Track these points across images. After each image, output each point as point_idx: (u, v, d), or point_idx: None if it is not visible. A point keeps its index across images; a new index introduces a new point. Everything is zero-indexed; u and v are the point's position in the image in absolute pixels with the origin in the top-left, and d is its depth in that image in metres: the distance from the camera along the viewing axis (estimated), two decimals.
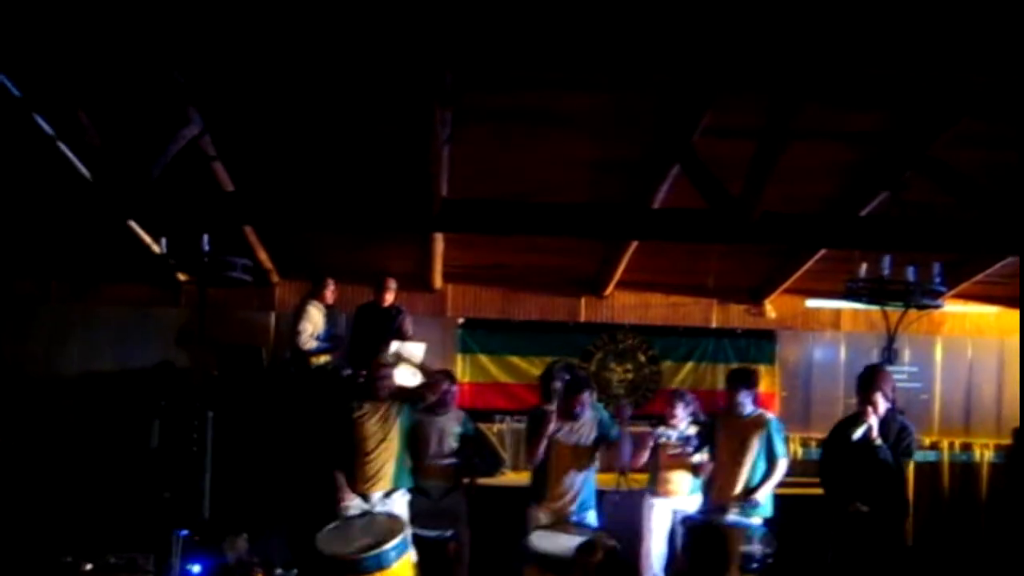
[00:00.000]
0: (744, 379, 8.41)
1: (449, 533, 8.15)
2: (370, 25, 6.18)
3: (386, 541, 7.15)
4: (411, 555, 7.39)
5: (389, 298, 10.24)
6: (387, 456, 8.01)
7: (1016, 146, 7.63)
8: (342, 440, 8.02)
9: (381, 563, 7.07)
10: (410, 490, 8.34)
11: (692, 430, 8.61)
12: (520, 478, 9.38)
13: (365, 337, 10.02)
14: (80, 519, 8.81)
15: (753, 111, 6.68)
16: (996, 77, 6.62)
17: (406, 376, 9.40)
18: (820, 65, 6.20)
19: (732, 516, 7.95)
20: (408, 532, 7.44)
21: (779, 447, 8.20)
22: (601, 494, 9.01)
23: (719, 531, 5.53)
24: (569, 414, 8.09)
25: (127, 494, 9.00)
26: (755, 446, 8.19)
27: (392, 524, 7.45)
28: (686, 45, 6.32)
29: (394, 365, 8.65)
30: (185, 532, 8.12)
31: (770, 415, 8.45)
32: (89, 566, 7.50)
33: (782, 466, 8.20)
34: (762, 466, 8.18)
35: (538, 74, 6.87)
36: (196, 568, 8.07)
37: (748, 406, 8.31)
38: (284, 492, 8.97)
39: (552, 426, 8.04)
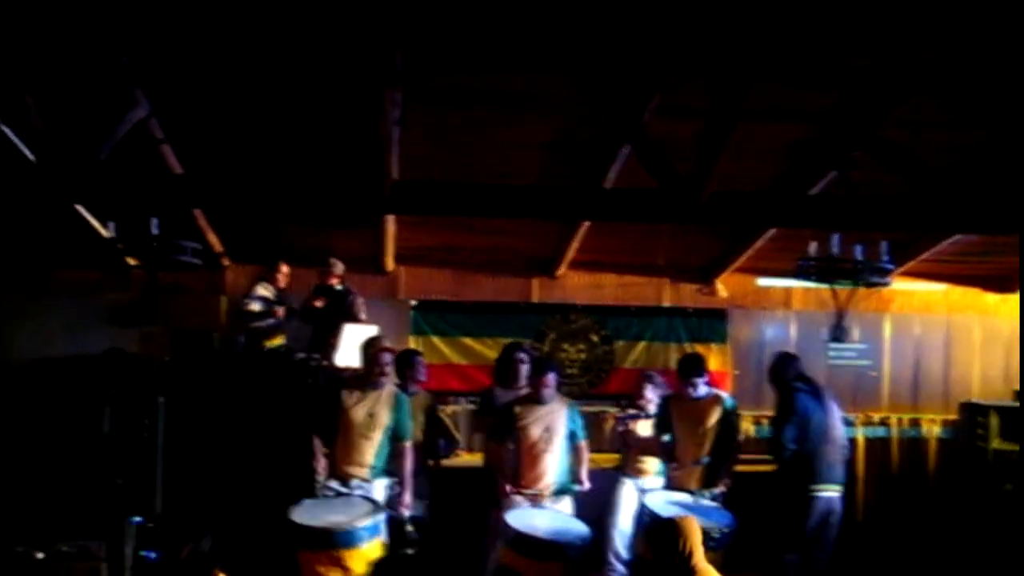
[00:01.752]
0: (693, 370, 8.47)
1: (420, 513, 8.13)
2: (319, 5, 6.14)
3: (360, 520, 7.17)
4: (382, 538, 7.37)
5: (335, 279, 10.20)
6: (369, 447, 7.90)
7: (965, 126, 7.73)
8: (327, 420, 7.95)
9: (351, 541, 7.08)
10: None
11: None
12: (474, 459, 9.40)
13: (320, 319, 9.98)
14: (31, 508, 8.71)
15: (703, 91, 6.71)
16: (945, 57, 6.68)
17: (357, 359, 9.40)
18: (769, 45, 6.24)
19: (692, 496, 8.04)
20: (383, 516, 7.40)
21: (736, 427, 8.42)
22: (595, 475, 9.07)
23: (673, 524, 5.56)
24: (536, 398, 8.10)
25: (78, 481, 8.90)
26: (714, 428, 8.29)
27: (368, 506, 7.43)
28: (636, 26, 6.35)
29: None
30: (138, 519, 8.06)
31: (724, 394, 8.60)
32: (40, 555, 7.44)
33: (736, 447, 8.40)
34: (718, 446, 8.29)
35: (489, 55, 6.85)
36: (152, 555, 8.03)
37: (702, 389, 8.41)
38: (237, 477, 8.92)
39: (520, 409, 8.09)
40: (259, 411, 9.17)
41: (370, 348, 8.24)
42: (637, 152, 7.64)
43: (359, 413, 7.87)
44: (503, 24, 6.32)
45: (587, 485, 8.11)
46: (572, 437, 8.11)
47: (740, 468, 8.64)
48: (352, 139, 7.62)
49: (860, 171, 8.12)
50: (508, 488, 7.98)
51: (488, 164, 8.55)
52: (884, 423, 11.91)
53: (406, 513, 7.81)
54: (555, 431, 8.03)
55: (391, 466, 7.97)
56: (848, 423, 11.67)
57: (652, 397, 8.84)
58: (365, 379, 8.03)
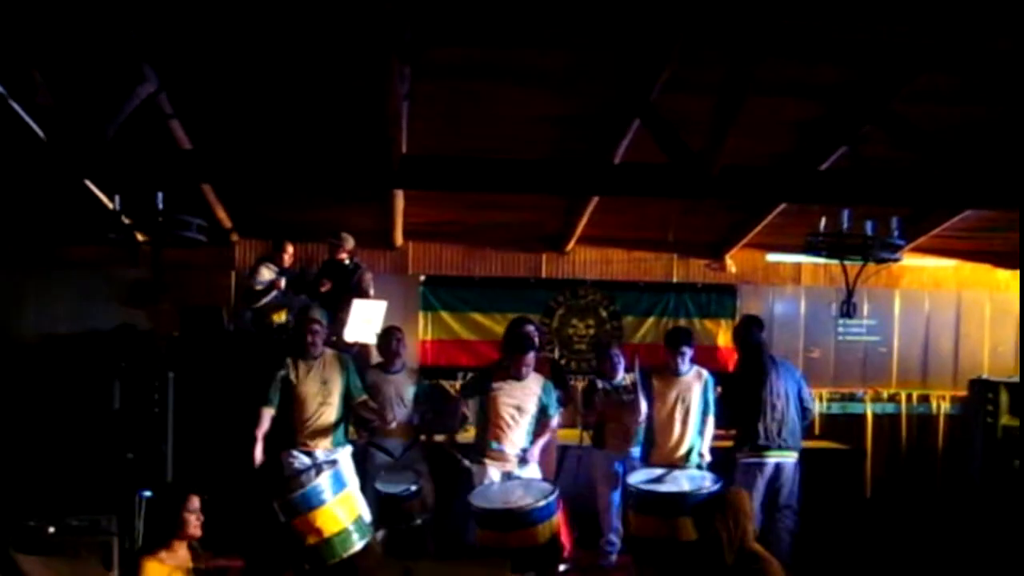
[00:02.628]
0: (681, 341, 8.47)
1: (413, 488, 8.16)
2: None
3: (311, 481, 7.22)
4: (350, 491, 7.41)
5: (344, 255, 10.18)
6: (327, 416, 8.06)
7: (975, 100, 7.68)
8: (278, 395, 8.10)
9: (311, 501, 7.09)
10: (369, 447, 8.39)
11: (628, 379, 8.61)
12: None
13: (327, 293, 9.99)
14: (42, 482, 8.74)
15: (713, 65, 6.67)
16: (956, 30, 6.63)
17: (370, 333, 9.42)
18: (780, 19, 6.21)
19: (678, 472, 8.02)
20: (338, 468, 7.45)
21: (711, 401, 8.39)
22: (564, 449, 9.07)
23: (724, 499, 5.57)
24: (514, 374, 8.11)
25: (89, 456, 8.95)
26: (697, 403, 8.30)
27: (326, 468, 7.47)
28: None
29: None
30: (148, 493, 8.09)
31: (705, 371, 8.54)
32: (52, 529, 7.48)
33: (712, 420, 8.39)
34: (699, 420, 8.33)
35: (498, 29, 6.82)
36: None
37: (686, 364, 8.41)
38: (245, 452, 8.94)
39: (494, 383, 8.11)
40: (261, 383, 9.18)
41: (303, 319, 8.35)
42: (647, 127, 7.61)
43: (311, 385, 7.98)
44: None
45: (535, 457, 8.11)
46: (542, 412, 8.13)
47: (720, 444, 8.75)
48: (361, 114, 7.60)
49: (871, 146, 8.09)
50: (473, 462, 8.06)
51: (497, 139, 8.53)
52: (893, 399, 11.91)
53: (392, 423, 8.19)
54: (525, 410, 8.07)
55: (374, 442, 8.23)
56: (856, 399, 11.72)
57: (620, 367, 8.77)
58: (304, 351, 8.14)
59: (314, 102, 7.98)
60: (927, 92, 7.48)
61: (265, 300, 10.01)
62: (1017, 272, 11.45)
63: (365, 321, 9.49)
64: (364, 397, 8.24)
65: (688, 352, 8.41)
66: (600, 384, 8.71)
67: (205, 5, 6.59)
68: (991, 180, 7.54)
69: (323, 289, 9.98)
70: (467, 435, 8.73)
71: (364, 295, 9.95)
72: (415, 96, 7.52)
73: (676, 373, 8.39)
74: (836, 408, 11.80)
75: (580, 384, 9.82)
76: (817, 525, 8.93)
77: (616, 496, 8.54)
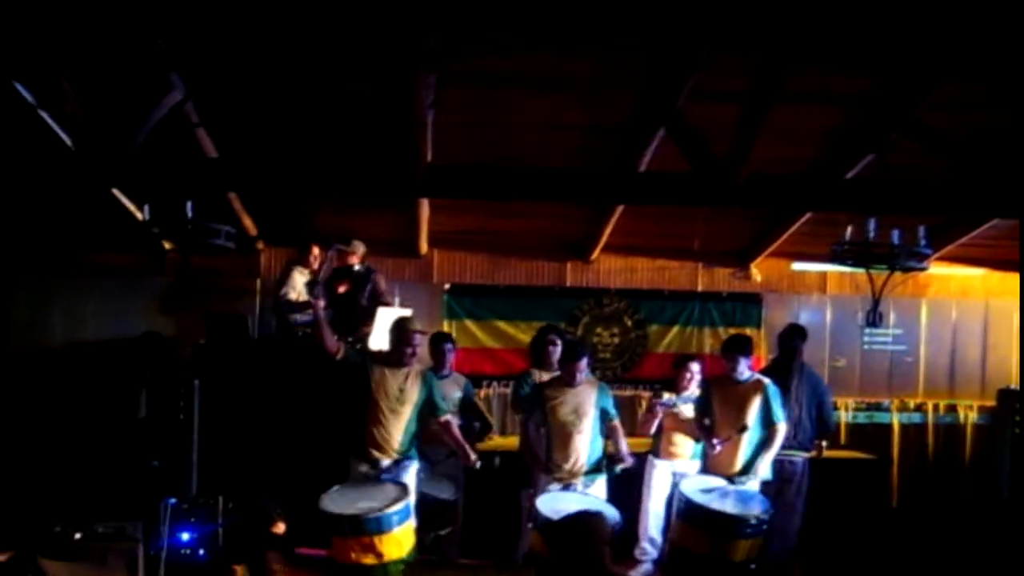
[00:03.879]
0: (741, 347, 8.44)
1: (452, 498, 8.15)
2: None
3: (390, 506, 7.18)
4: (412, 522, 7.39)
5: (354, 260, 10.16)
6: (397, 424, 7.85)
7: (1003, 108, 7.63)
8: (356, 400, 7.93)
9: (382, 526, 7.10)
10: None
11: (697, 394, 8.65)
12: (507, 443, 9.42)
13: (340, 300, 10.00)
14: (69, 489, 8.81)
15: (740, 74, 6.66)
16: (983, 38, 6.60)
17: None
18: (807, 27, 6.18)
19: (731, 488, 8.00)
20: (412, 500, 7.44)
21: (777, 412, 8.23)
22: (610, 457, 9.05)
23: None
24: (567, 381, 8.10)
25: (115, 464, 9.00)
26: (754, 412, 8.22)
27: (397, 490, 7.43)
28: (673, 7, 6.30)
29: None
30: (173, 500, 8.13)
31: (767, 380, 8.44)
32: (78, 535, 7.51)
33: (781, 431, 8.23)
34: (760, 432, 8.22)
35: (523, 37, 6.82)
36: (185, 536, 8.10)
37: (745, 372, 8.34)
38: (271, 459, 8.98)
39: (549, 391, 8.10)
40: (293, 394, 9.21)
41: (399, 329, 8.20)
42: (673, 135, 7.60)
43: (389, 390, 7.89)
44: (538, 5, 6.29)
45: (630, 460, 8.02)
46: (603, 416, 8.09)
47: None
48: (386, 122, 7.61)
49: (897, 154, 8.04)
50: (540, 471, 7.99)
51: (522, 147, 8.53)
52: (920, 409, 11.83)
53: (477, 464, 7.91)
54: (584, 413, 8.02)
55: (419, 448, 8.05)
56: (883, 408, 11.65)
57: (693, 382, 8.76)
58: (394, 358, 7.99)
59: (340, 111, 8.00)
60: (954, 100, 7.43)
61: (300, 316, 10.00)
62: None
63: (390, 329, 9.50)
64: (447, 418, 7.99)
65: (743, 360, 8.36)
66: (665, 396, 8.72)
67: (231, 14, 6.62)
68: (1018, 188, 7.49)
69: (340, 290, 9.99)
70: (490, 443, 8.75)
71: (383, 298, 9.96)
72: (440, 104, 7.53)
73: (735, 382, 8.36)
74: (862, 418, 11.73)
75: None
76: (843, 534, 8.89)
77: (660, 505, 8.53)
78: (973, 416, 11.80)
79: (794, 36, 6.23)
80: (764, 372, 8.89)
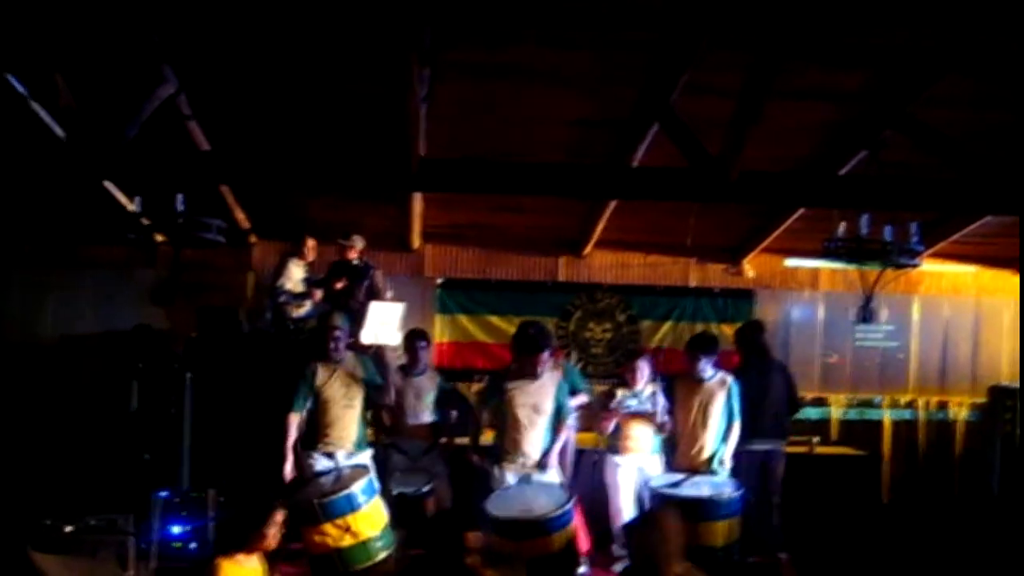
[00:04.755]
0: (704, 347, 8.43)
1: (426, 488, 8.16)
2: None
3: (355, 483, 7.22)
4: (379, 500, 7.41)
5: (353, 254, 10.16)
6: (350, 419, 7.93)
7: (996, 105, 7.64)
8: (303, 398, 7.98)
9: (353, 504, 7.14)
10: (388, 447, 8.38)
11: (649, 389, 8.51)
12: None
13: (336, 293, 10.00)
14: (60, 482, 8.79)
15: (734, 70, 6.65)
16: (976, 35, 6.61)
17: (388, 335, 9.42)
18: (801, 23, 6.19)
19: (699, 478, 8.02)
20: (372, 475, 7.51)
21: (735, 408, 8.29)
22: (580, 453, 9.04)
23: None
24: (529, 373, 8.04)
25: (107, 456, 8.99)
26: (719, 409, 8.25)
27: (356, 472, 7.50)
28: (668, 3, 6.30)
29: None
30: (165, 494, 8.12)
31: (730, 377, 8.45)
32: (69, 528, 7.50)
33: (737, 427, 8.30)
34: (723, 427, 8.26)
35: (517, 31, 6.82)
36: (176, 529, 8.09)
37: (709, 371, 8.35)
38: (261, 452, 8.96)
39: (510, 384, 8.05)
40: (285, 387, 9.19)
41: (322, 325, 8.26)
42: (666, 131, 7.60)
43: (335, 388, 7.93)
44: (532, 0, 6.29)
45: (553, 462, 8.02)
46: (559, 412, 8.06)
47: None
48: (379, 116, 7.60)
49: (890, 151, 8.05)
50: (494, 465, 7.99)
51: (515, 142, 8.53)
52: (911, 405, 11.86)
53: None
54: (541, 408, 7.99)
55: (397, 443, 8.16)
56: (874, 405, 11.68)
57: (643, 378, 8.67)
58: (327, 356, 8.03)
59: (333, 104, 7.99)
60: (947, 96, 7.45)
61: (296, 305, 10.01)
62: None
63: (382, 323, 9.47)
64: (381, 382, 8.13)
65: (706, 360, 8.35)
66: (620, 392, 8.64)
67: (224, 7, 6.61)
68: (1011, 186, 7.51)
69: (338, 286, 9.99)
70: (487, 438, 8.73)
71: (379, 295, 9.95)
72: (433, 98, 7.53)
73: (699, 379, 8.35)
74: (853, 414, 11.76)
75: (599, 388, 9.76)
76: (833, 530, 8.91)
77: (629, 502, 8.51)
78: (964, 413, 11.82)
79: (788, 32, 6.23)
80: (738, 373, 8.88)
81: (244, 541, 5.61)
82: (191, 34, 7.03)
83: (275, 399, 8.21)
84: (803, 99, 7.61)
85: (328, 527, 7.12)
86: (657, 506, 7.55)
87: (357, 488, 7.20)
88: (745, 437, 8.46)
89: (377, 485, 7.55)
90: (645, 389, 8.49)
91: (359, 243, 10.15)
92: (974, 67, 7.05)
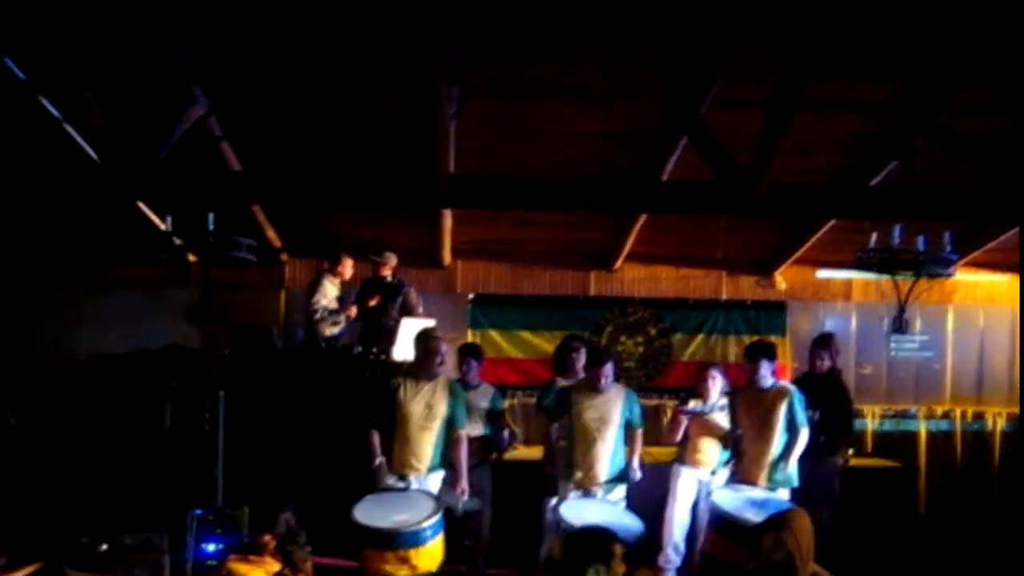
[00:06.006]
0: (765, 351, 8.37)
1: (474, 506, 8.12)
2: (377, 1, 6.16)
3: (424, 519, 7.14)
4: (443, 535, 7.34)
5: (386, 271, 10.18)
6: (427, 439, 7.79)
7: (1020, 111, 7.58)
8: (383, 414, 7.87)
9: (418, 540, 7.09)
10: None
11: (722, 401, 8.55)
12: (531, 453, 9.39)
13: (368, 311, 10.02)
14: (95, 500, 8.84)
15: (762, 82, 6.64)
16: (1006, 44, 6.56)
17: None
18: (829, 34, 6.17)
19: (761, 491, 7.93)
20: (442, 512, 7.36)
21: (800, 416, 8.16)
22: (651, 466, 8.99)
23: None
24: (593, 386, 8.08)
25: (141, 475, 9.03)
26: (780, 419, 8.17)
27: (431, 503, 7.37)
28: (695, 15, 6.29)
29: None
30: (199, 512, 8.15)
31: (791, 386, 8.39)
32: (104, 546, 7.54)
33: (804, 435, 8.15)
34: (785, 437, 8.18)
35: (545, 47, 6.83)
36: (211, 547, 8.11)
37: (768, 379, 8.28)
38: (297, 470, 8.98)
39: (577, 396, 8.06)
40: (318, 405, 9.23)
41: (426, 339, 8.18)
42: (695, 144, 7.59)
43: (417, 406, 7.85)
44: (560, 15, 6.29)
45: (637, 475, 8.02)
46: (627, 426, 8.06)
47: None
48: (408, 134, 7.64)
49: (922, 160, 8.00)
50: (561, 477, 7.98)
51: (544, 157, 8.53)
52: (947, 416, 11.74)
53: (463, 498, 7.80)
54: (610, 420, 7.99)
55: (447, 458, 8.00)
56: (909, 416, 11.59)
57: (716, 389, 8.69)
58: (420, 370, 7.97)
59: (362, 122, 8.03)
60: (978, 104, 7.40)
61: (332, 321, 10.04)
62: None
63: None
64: (463, 432, 7.94)
65: (767, 365, 8.26)
66: (693, 403, 8.65)
67: (255, 28, 6.66)
68: (1019, 193, 7.43)
69: (371, 303, 10.02)
70: (515, 453, 8.73)
71: (412, 312, 9.97)
72: (462, 115, 7.55)
73: (759, 390, 8.27)
74: (889, 425, 11.66)
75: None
76: (870, 542, 8.83)
77: (684, 513, 8.49)
78: (1001, 423, 11.69)
79: (816, 43, 6.21)
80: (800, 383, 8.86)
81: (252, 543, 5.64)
82: (221, 55, 7.09)
83: (309, 417, 8.24)
84: (832, 110, 7.59)
85: (389, 555, 7.07)
86: (787, 508, 7.49)
87: (428, 524, 7.12)
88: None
89: (443, 520, 7.38)
90: (719, 402, 8.56)
91: (392, 260, 10.18)
92: (1003, 74, 7.00)
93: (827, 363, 8.96)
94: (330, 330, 10.06)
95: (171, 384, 9.22)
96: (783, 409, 8.16)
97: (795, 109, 6.59)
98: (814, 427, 8.31)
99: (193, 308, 10.81)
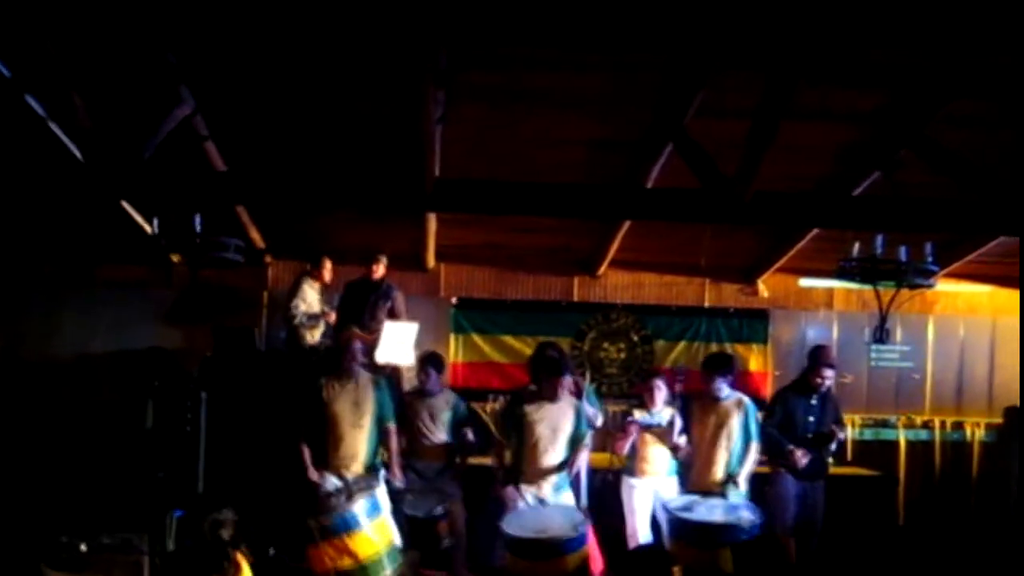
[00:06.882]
0: (719, 366, 8.40)
1: (439, 511, 8.16)
2: (363, 4, 6.17)
3: (353, 502, 7.20)
4: (384, 518, 7.37)
5: (379, 272, 10.15)
6: (361, 437, 8.01)
7: (1010, 125, 7.63)
8: (311, 418, 8.04)
9: (349, 525, 7.09)
10: (404, 468, 8.36)
11: (667, 412, 8.44)
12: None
13: (352, 311, 10.01)
14: (75, 500, 8.81)
15: (748, 91, 6.67)
16: (991, 55, 6.61)
17: (403, 355, 9.43)
18: (815, 44, 6.20)
19: (714, 501, 7.93)
20: (376, 495, 7.42)
21: (754, 429, 8.22)
22: (594, 474, 9.02)
23: None
24: (548, 396, 8.09)
25: (122, 475, 9.01)
26: (735, 429, 8.20)
27: (362, 490, 7.44)
28: (682, 24, 6.32)
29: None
30: (179, 512, 8.13)
31: (746, 399, 8.41)
32: (84, 546, 7.51)
33: (755, 448, 8.23)
34: (740, 447, 8.21)
35: (533, 53, 6.85)
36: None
37: (725, 390, 8.31)
38: (276, 472, 8.97)
39: (529, 407, 8.10)
40: (300, 407, 9.22)
41: (338, 339, 8.26)
42: (680, 152, 7.62)
43: (344, 405, 7.95)
44: (548, 22, 6.31)
45: (574, 471, 8.11)
46: (576, 435, 8.09)
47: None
48: (395, 137, 7.64)
49: (905, 171, 8.05)
50: (510, 486, 8.02)
51: (529, 162, 8.54)
52: (927, 426, 11.80)
53: (398, 483, 7.99)
54: (560, 430, 8.03)
55: (411, 464, 8.15)
56: (889, 425, 11.64)
57: (661, 399, 8.62)
58: (342, 371, 8.09)
59: (349, 125, 8.03)
60: (963, 117, 7.45)
61: (317, 336, 10.02)
62: None
63: (397, 343, 9.50)
64: (393, 425, 8.17)
65: (721, 379, 8.31)
66: (637, 413, 8.59)
67: (241, 29, 6.66)
68: (1018, 206, 7.48)
69: (330, 319, 10.08)
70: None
71: (399, 318, 9.96)
72: (449, 119, 7.56)
73: (715, 399, 8.32)
74: (868, 434, 11.70)
75: (614, 409, 9.78)
76: (849, 551, 8.87)
77: (645, 525, 8.48)
78: (980, 434, 11.76)
79: (803, 53, 6.24)
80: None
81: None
82: (208, 55, 7.08)
83: (287, 420, 8.25)
84: (817, 119, 7.61)
85: (326, 547, 7.08)
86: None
87: (357, 508, 7.15)
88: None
89: (384, 504, 7.50)
90: (663, 411, 8.46)
91: (382, 261, 10.14)
92: (988, 88, 7.05)
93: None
94: (311, 336, 10.04)
95: (153, 384, 9.20)
96: (737, 420, 8.19)
97: (781, 118, 6.62)
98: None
99: (176, 309, 10.80)
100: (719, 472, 8.17)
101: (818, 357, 8.81)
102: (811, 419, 8.62)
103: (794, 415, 8.62)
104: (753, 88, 6.57)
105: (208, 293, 10.38)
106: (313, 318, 10.00)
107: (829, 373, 8.70)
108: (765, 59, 6.39)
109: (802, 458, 8.38)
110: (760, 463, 8.43)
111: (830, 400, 8.82)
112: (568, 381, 8.15)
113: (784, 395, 8.83)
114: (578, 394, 8.51)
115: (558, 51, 6.80)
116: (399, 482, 8.02)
